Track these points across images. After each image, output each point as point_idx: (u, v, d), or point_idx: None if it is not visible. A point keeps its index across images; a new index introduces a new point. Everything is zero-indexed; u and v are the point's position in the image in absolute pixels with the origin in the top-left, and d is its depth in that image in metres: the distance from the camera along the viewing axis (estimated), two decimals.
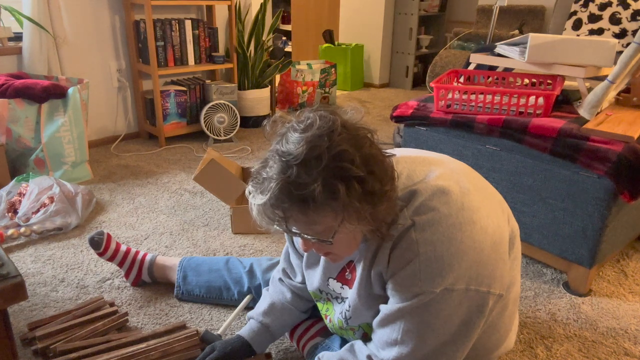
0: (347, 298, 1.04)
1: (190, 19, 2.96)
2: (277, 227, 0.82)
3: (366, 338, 1.05)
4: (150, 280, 1.60)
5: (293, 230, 0.82)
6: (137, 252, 1.60)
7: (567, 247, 1.59)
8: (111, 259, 1.57)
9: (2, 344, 0.97)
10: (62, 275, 1.66)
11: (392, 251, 0.88)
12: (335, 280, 1.06)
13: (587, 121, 1.56)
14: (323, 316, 1.16)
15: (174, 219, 2.08)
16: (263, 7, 3.29)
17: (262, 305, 1.25)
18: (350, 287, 1.02)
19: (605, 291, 1.64)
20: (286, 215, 0.78)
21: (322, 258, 1.07)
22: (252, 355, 1.20)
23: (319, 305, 1.17)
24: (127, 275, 1.59)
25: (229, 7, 3.09)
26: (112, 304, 1.49)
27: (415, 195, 0.88)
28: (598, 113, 1.62)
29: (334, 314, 1.10)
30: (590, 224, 1.50)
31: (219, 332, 1.37)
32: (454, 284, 0.85)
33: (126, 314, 1.42)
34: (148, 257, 1.59)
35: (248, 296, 1.46)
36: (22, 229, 1.86)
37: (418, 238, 0.85)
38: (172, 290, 1.57)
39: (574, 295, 1.61)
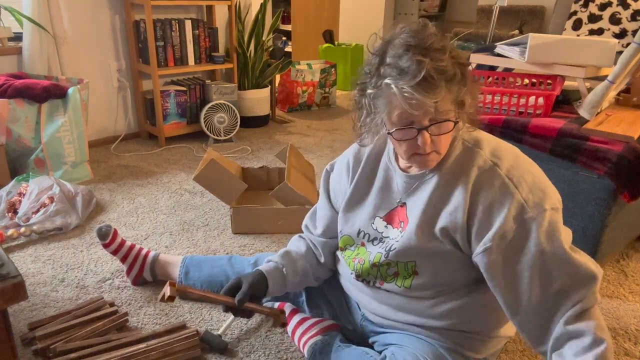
0: (388, 237, 1.11)
1: (190, 19, 2.96)
2: (418, 112, 0.90)
3: (396, 278, 1.10)
4: (151, 279, 1.60)
5: (429, 117, 0.92)
6: (140, 249, 1.60)
7: None
8: (115, 252, 1.57)
9: (2, 344, 0.97)
10: (62, 275, 1.66)
11: (479, 192, 0.97)
12: (382, 219, 1.13)
13: (587, 121, 1.56)
14: (349, 262, 1.19)
15: (174, 219, 2.08)
16: (263, 7, 3.29)
17: (278, 252, 1.31)
18: (394, 227, 1.10)
19: (605, 291, 1.64)
20: (435, 93, 0.88)
21: (371, 197, 1.14)
22: (266, 291, 1.21)
23: (347, 253, 1.20)
24: (128, 271, 1.59)
25: (229, 7, 3.08)
26: (112, 304, 1.49)
27: (481, 142, 1.02)
28: (598, 113, 1.62)
29: (368, 255, 1.14)
30: (590, 224, 1.50)
31: (219, 332, 1.37)
32: (553, 205, 0.95)
33: (126, 314, 1.42)
34: (151, 254, 1.60)
35: None
36: (22, 229, 1.86)
37: (508, 175, 0.96)
38: None
39: None
